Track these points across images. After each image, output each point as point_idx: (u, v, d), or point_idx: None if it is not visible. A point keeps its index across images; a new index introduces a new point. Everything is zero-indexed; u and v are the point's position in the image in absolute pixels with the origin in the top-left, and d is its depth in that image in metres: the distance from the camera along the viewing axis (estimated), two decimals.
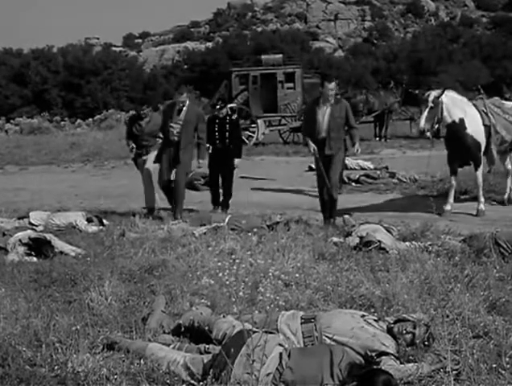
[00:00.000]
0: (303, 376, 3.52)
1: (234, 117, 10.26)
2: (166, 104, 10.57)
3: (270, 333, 3.76)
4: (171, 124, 8.73)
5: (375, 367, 3.69)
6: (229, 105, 19.96)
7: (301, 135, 13.63)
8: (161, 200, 9.31)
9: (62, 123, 33.75)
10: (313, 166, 8.68)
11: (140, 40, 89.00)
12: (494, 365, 3.71)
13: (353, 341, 3.88)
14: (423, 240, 6.80)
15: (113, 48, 61.98)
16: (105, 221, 8.23)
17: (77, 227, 7.85)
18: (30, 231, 7.22)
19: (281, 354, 3.61)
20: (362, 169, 13.16)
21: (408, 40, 60.46)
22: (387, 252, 6.32)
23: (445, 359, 3.71)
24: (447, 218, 8.69)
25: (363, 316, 4.14)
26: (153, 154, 9.08)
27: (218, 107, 9.60)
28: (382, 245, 6.45)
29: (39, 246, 6.67)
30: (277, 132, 21.88)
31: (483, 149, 9.13)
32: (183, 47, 68.86)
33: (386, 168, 13.06)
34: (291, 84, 21.55)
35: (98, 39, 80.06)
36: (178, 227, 7.60)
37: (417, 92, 21.15)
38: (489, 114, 9.20)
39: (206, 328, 4.11)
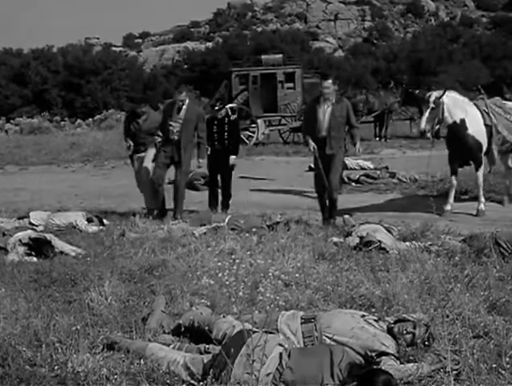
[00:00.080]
0: (303, 376, 3.52)
1: (233, 117, 10.24)
2: (166, 103, 10.56)
3: (270, 333, 3.76)
4: (171, 122, 8.72)
5: (375, 367, 3.69)
6: (229, 105, 20.08)
7: (301, 135, 13.64)
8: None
9: (62, 123, 33.74)
10: (313, 165, 8.67)
11: (140, 40, 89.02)
12: (494, 365, 3.71)
13: (353, 341, 3.88)
14: (423, 240, 6.80)
15: (113, 48, 61.97)
16: (105, 221, 8.22)
17: (77, 227, 7.85)
18: (30, 231, 7.22)
19: (281, 354, 3.61)
20: (362, 169, 13.16)
21: (408, 40, 60.46)
22: (387, 252, 6.32)
23: (445, 359, 3.71)
24: (447, 218, 8.69)
25: (363, 316, 4.14)
26: (151, 153, 9.05)
27: (217, 108, 9.59)
28: (382, 245, 6.45)
29: (39, 246, 6.67)
30: (277, 132, 21.89)
31: (484, 149, 9.13)
32: (183, 47, 68.86)
33: (386, 168, 13.06)
34: (291, 84, 21.56)
35: (98, 38, 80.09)
36: (178, 227, 7.60)
37: (417, 92, 21.23)
38: (491, 114, 9.20)
39: (206, 328, 4.11)
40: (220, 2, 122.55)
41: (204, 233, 7.22)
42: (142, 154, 9.14)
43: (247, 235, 6.82)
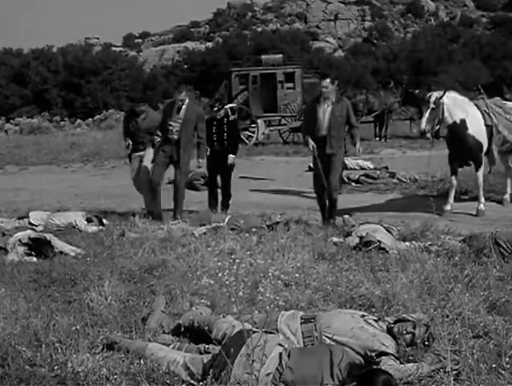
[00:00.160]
0: (303, 376, 3.52)
1: (232, 117, 10.24)
2: (165, 102, 10.56)
3: (270, 333, 3.76)
4: (171, 122, 8.72)
5: (375, 367, 3.69)
6: (229, 105, 20.12)
7: (301, 135, 13.63)
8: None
9: (62, 123, 33.75)
10: (312, 165, 8.66)
11: (140, 40, 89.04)
12: (494, 365, 3.71)
13: (353, 341, 3.88)
14: (423, 240, 6.80)
15: (113, 48, 62.00)
16: (104, 221, 8.22)
17: (77, 227, 7.85)
18: (30, 231, 7.22)
19: (281, 354, 3.61)
20: (362, 169, 13.16)
21: (408, 40, 60.47)
22: (387, 252, 6.32)
23: (445, 359, 3.71)
24: (447, 218, 8.69)
25: (363, 316, 4.14)
26: (150, 152, 9.04)
27: (216, 108, 9.58)
28: (382, 245, 6.45)
29: (38, 246, 6.67)
30: (277, 132, 21.90)
31: (485, 149, 9.13)
32: (183, 47, 68.87)
33: (386, 168, 13.06)
34: (290, 84, 21.57)
35: (98, 38, 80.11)
36: (178, 227, 7.59)
37: (417, 92, 21.23)
38: (491, 114, 9.20)
39: (206, 328, 4.11)
40: (220, 2, 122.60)
41: (204, 233, 7.22)
42: (141, 153, 9.13)
43: (247, 235, 6.82)
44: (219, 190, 9.65)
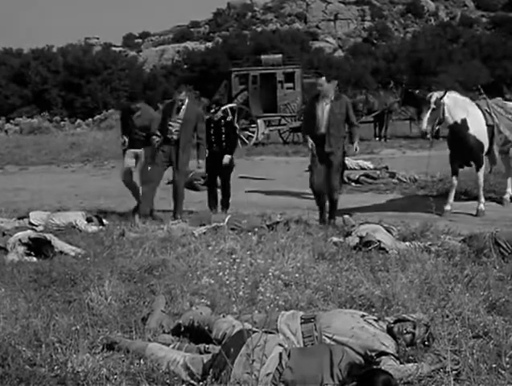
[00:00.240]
0: (303, 376, 3.52)
1: (229, 118, 10.23)
2: (165, 103, 10.56)
3: (270, 333, 3.76)
4: (170, 122, 8.72)
5: (375, 367, 3.69)
6: (229, 105, 20.13)
7: (301, 135, 13.63)
8: (161, 199, 9.31)
9: (62, 123, 33.75)
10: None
11: (140, 40, 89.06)
12: (494, 365, 3.71)
13: (353, 341, 3.88)
14: (423, 240, 6.80)
15: (113, 48, 62.00)
16: (104, 221, 8.22)
17: (77, 227, 7.85)
18: (30, 231, 7.22)
19: (281, 354, 3.61)
20: (362, 169, 13.16)
21: (408, 40, 60.48)
22: (387, 252, 6.32)
23: (445, 359, 3.71)
24: (447, 218, 8.69)
25: (363, 316, 4.14)
26: (147, 151, 9.08)
27: (213, 110, 9.55)
28: (382, 245, 6.45)
29: (38, 246, 6.67)
30: (277, 132, 21.90)
31: (486, 149, 9.13)
32: (183, 47, 68.88)
33: (386, 168, 13.06)
34: (290, 84, 21.57)
35: (98, 38, 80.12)
36: (178, 227, 7.59)
37: (417, 92, 21.22)
38: (493, 114, 9.20)
39: (206, 328, 4.11)
40: (220, 2, 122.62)
41: (204, 233, 7.22)
42: (136, 150, 9.14)
43: (247, 234, 6.82)
44: (219, 190, 9.65)
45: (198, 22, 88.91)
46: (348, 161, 12.98)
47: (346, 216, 8.01)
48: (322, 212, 8.27)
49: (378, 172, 12.65)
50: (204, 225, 7.61)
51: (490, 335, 4.15)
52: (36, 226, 7.82)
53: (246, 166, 14.88)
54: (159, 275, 5.67)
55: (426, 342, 3.96)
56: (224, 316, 4.40)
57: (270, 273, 5.20)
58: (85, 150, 19.80)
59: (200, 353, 3.94)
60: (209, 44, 62.60)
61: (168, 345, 4.10)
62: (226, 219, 7.67)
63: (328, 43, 71.70)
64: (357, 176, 12.39)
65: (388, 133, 21.76)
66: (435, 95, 8.64)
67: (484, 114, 9.13)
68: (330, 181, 8.13)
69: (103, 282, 5.18)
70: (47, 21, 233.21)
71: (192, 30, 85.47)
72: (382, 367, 3.62)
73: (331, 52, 65.33)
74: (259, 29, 72.46)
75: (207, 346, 4.00)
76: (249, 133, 20.73)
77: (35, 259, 6.53)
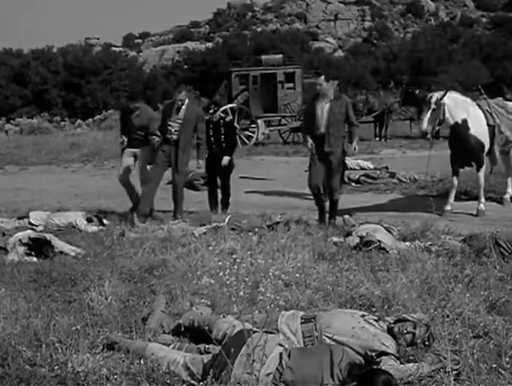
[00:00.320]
0: (303, 376, 3.52)
1: (228, 118, 10.22)
2: (165, 103, 10.56)
3: (270, 333, 3.76)
4: (170, 122, 8.71)
5: (375, 367, 3.69)
6: (229, 105, 20.13)
7: (301, 135, 13.62)
8: (161, 199, 9.31)
9: (62, 123, 33.76)
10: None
11: (140, 40, 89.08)
12: (494, 365, 3.71)
13: (353, 341, 3.88)
14: (423, 240, 6.79)
15: (113, 48, 62.05)
16: (105, 221, 8.22)
17: (77, 227, 7.85)
18: (30, 231, 7.21)
19: (281, 354, 3.61)
20: (362, 169, 13.16)
21: (408, 40, 60.51)
22: (387, 252, 6.32)
23: (445, 359, 3.71)
24: (447, 218, 8.69)
25: (363, 316, 4.14)
26: (145, 151, 9.10)
27: (212, 111, 9.54)
28: (382, 245, 6.45)
29: (39, 246, 6.67)
30: (277, 132, 21.91)
31: (486, 149, 9.12)
32: (183, 47, 68.91)
33: (386, 168, 13.06)
34: (291, 84, 21.58)
35: (98, 39, 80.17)
36: (178, 227, 7.59)
37: (417, 91, 21.22)
38: (494, 114, 9.20)
39: (206, 328, 4.11)
40: (220, 2, 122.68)
41: (204, 233, 7.22)
42: (135, 150, 9.16)
43: (247, 235, 6.82)
44: (219, 190, 9.65)
45: (198, 22, 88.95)
46: (349, 161, 12.97)
47: (346, 216, 8.01)
48: (321, 212, 8.25)
49: (378, 172, 12.65)
50: (204, 225, 7.61)
51: (490, 335, 4.15)
52: (36, 226, 7.82)
53: (246, 166, 14.88)
54: (159, 275, 5.67)
55: (426, 342, 3.96)
56: (224, 316, 4.40)
57: (271, 273, 5.20)
58: (85, 150, 19.80)
59: (201, 353, 3.94)
60: (209, 44, 62.63)
61: (168, 345, 4.10)
62: (226, 220, 7.67)
63: (328, 43, 71.73)
64: (357, 176, 12.39)
65: (388, 133, 21.77)
66: (436, 95, 8.64)
67: (485, 114, 9.13)
68: (330, 181, 8.12)
69: (103, 282, 5.18)
70: (47, 21, 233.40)
71: (192, 30, 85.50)
72: (383, 367, 3.62)
73: (331, 52, 65.38)
74: (259, 29, 72.51)
75: (207, 346, 4.00)
76: (250, 133, 20.73)
77: (35, 259, 6.53)
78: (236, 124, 19.54)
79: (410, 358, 3.87)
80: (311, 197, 8.57)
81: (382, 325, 4.07)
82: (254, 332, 3.64)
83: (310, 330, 4.02)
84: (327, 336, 3.96)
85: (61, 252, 6.54)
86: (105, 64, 46.23)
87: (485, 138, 9.05)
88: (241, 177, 12.58)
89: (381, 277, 5.38)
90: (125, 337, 4.30)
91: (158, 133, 8.84)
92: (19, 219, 8.18)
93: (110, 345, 4.14)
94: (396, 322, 4.08)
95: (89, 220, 8.09)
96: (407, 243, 6.65)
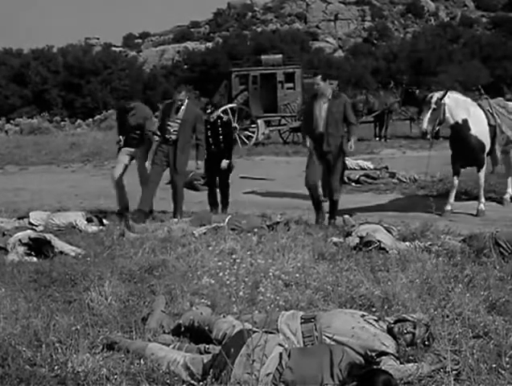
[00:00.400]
0: (303, 376, 3.52)
1: (226, 118, 10.20)
2: (164, 102, 10.57)
3: (270, 333, 3.76)
4: (169, 122, 8.71)
5: (375, 367, 3.69)
6: (229, 105, 20.13)
7: (301, 135, 13.61)
8: (161, 199, 9.31)
9: (62, 123, 33.79)
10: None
11: (140, 40, 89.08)
12: (494, 365, 3.71)
13: (353, 341, 3.88)
14: (423, 240, 6.79)
15: (113, 48, 62.06)
16: (105, 221, 8.22)
17: (77, 227, 7.85)
18: (30, 231, 7.21)
19: (281, 354, 3.61)
20: (362, 169, 13.16)
21: (408, 40, 60.52)
22: (387, 252, 6.32)
23: (445, 359, 3.71)
24: (447, 218, 8.69)
25: (363, 316, 4.14)
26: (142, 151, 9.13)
27: (209, 111, 9.52)
28: (382, 245, 6.45)
29: (39, 246, 6.67)
30: (277, 132, 21.91)
31: (487, 149, 9.12)
32: (183, 47, 68.91)
33: (386, 168, 13.06)
34: (290, 84, 21.58)
35: (98, 39, 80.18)
36: (178, 227, 7.59)
37: (417, 91, 21.21)
38: (495, 114, 9.20)
39: (206, 328, 4.11)
40: (220, 2, 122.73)
41: (204, 233, 7.22)
42: (131, 149, 9.20)
43: (247, 235, 6.82)
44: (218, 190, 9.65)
45: (198, 22, 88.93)
46: (348, 161, 12.97)
47: (346, 216, 8.00)
48: (318, 213, 8.19)
49: (378, 172, 12.65)
50: (204, 225, 7.60)
51: (490, 335, 4.15)
52: (36, 226, 7.82)
53: (246, 166, 14.88)
54: (159, 275, 5.67)
55: (426, 342, 3.96)
56: (224, 316, 4.40)
57: (271, 273, 5.21)
58: (85, 150, 19.80)
59: (201, 353, 3.94)
60: (209, 44, 62.65)
61: (168, 345, 4.10)
62: (226, 220, 7.67)
63: (328, 43, 71.74)
64: (357, 176, 12.39)
65: (388, 133, 21.77)
66: (436, 95, 8.63)
67: (486, 114, 9.13)
68: (330, 181, 8.11)
69: (103, 282, 5.18)
70: (47, 21, 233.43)
71: (192, 30, 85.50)
72: (382, 367, 3.62)
73: (331, 52, 65.40)
74: (259, 29, 72.51)
75: (207, 346, 4.00)
76: (250, 133, 20.73)
77: (35, 259, 6.52)
78: (236, 124, 19.59)
79: (410, 358, 3.87)
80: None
81: (382, 325, 4.07)
82: (254, 332, 3.64)
83: (310, 330, 4.02)
84: (327, 336, 3.96)
85: (61, 252, 6.54)
86: (105, 64, 46.26)
87: (485, 138, 9.04)
88: (241, 177, 12.58)
89: (381, 277, 5.38)
90: (125, 337, 4.29)
91: (158, 133, 8.85)
92: (19, 219, 8.17)
93: (110, 345, 4.14)
94: (396, 322, 4.08)
95: (89, 220, 8.08)
96: (407, 243, 6.65)
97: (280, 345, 3.71)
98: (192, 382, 3.69)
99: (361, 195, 11.30)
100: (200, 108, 9.66)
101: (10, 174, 16.27)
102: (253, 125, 20.77)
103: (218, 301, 4.84)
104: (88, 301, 4.91)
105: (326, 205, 8.47)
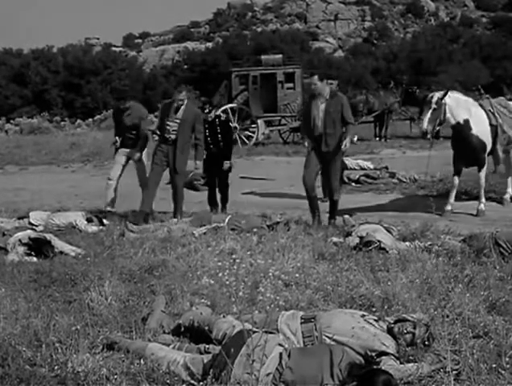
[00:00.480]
0: (303, 376, 3.52)
1: (223, 117, 10.19)
2: (163, 102, 10.57)
3: (270, 333, 3.76)
4: (168, 122, 8.71)
5: (375, 367, 3.69)
6: (229, 105, 20.13)
7: (300, 135, 13.62)
8: (161, 200, 9.31)
9: (62, 123, 33.78)
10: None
11: (140, 40, 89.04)
12: (494, 365, 3.71)
13: (353, 341, 3.88)
14: (423, 240, 6.79)
15: (113, 48, 62.05)
16: (105, 221, 8.22)
17: (77, 227, 7.85)
18: (30, 231, 7.21)
19: (281, 354, 3.61)
20: (362, 169, 13.15)
21: (408, 40, 60.51)
22: (387, 252, 6.32)
23: (445, 359, 3.71)
24: (447, 218, 8.69)
25: (363, 316, 4.14)
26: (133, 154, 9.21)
27: (207, 111, 9.51)
28: (382, 245, 6.45)
29: (39, 246, 6.67)
30: (277, 132, 21.91)
31: (489, 149, 9.12)
32: (183, 47, 68.88)
33: (386, 168, 13.06)
34: (290, 84, 21.58)
35: (98, 39, 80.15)
36: (178, 227, 7.59)
37: (417, 91, 21.20)
38: (496, 114, 9.20)
39: (206, 328, 4.11)
40: (220, 2, 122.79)
41: (204, 233, 7.22)
42: (127, 150, 9.24)
43: (247, 235, 6.82)
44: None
45: (198, 22, 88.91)
46: (348, 161, 13.00)
47: (346, 216, 8.00)
48: (314, 216, 8.15)
49: (378, 172, 12.65)
50: (204, 225, 7.60)
51: (490, 335, 4.16)
52: (36, 226, 7.82)
53: (246, 166, 14.88)
54: (159, 275, 5.67)
55: (426, 342, 3.96)
56: (224, 316, 4.40)
57: (271, 273, 5.21)
58: (85, 150, 19.80)
59: (201, 353, 3.94)
60: (209, 44, 62.62)
61: (168, 345, 4.10)
62: (226, 220, 7.67)
63: (328, 43, 71.71)
64: (357, 176, 12.39)
65: (388, 133, 21.76)
66: (437, 95, 8.63)
67: (487, 114, 9.13)
68: (330, 181, 8.11)
69: (103, 282, 5.18)
70: (47, 21, 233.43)
71: (192, 30, 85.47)
72: (382, 367, 3.63)
73: (331, 52, 65.39)
74: (259, 29, 72.49)
75: (207, 346, 4.00)
76: (250, 133, 20.73)
77: (35, 259, 6.53)
78: (236, 124, 19.59)
79: (410, 358, 3.87)
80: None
81: (382, 325, 4.07)
82: (254, 332, 3.64)
83: (310, 330, 4.02)
84: (327, 336, 3.96)
85: (61, 252, 6.54)
86: (105, 64, 46.25)
87: (487, 138, 9.04)
88: (242, 177, 12.57)
89: (381, 277, 5.38)
90: (125, 337, 4.30)
91: (158, 132, 8.84)
92: (19, 219, 8.17)
93: (110, 345, 4.14)
94: (396, 322, 4.08)
95: (89, 220, 8.08)
96: (407, 243, 6.65)
97: (280, 345, 3.71)
98: (192, 382, 3.69)
99: (361, 195, 11.30)
100: (198, 108, 9.66)
101: (10, 174, 16.27)
102: (253, 125, 20.77)
103: (218, 302, 4.84)
104: (88, 301, 4.91)
105: (326, 205, 8.47)
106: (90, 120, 34.61)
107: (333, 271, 5.65)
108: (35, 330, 4.29)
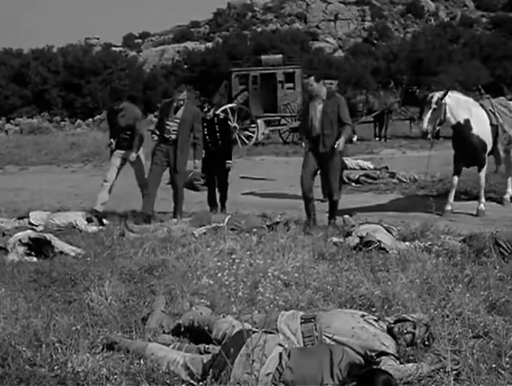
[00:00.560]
0: (303, 376, 3.52)
1: (222, 115, 10.19)
2: (163, 101, 10.56)
3: (270, 333, 3.76)
4: (168, 122, 8.71)
5: (375, 367, 3.69)
6: (229, 105, 20.14)
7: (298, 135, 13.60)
8: (162, 200, 9.31)
9: (62, 123, 33.76)
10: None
11: (140, 40, 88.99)
12: (494, 365, 3.72)
13: (353, 341, 3.88)
14: (423, 240, 6.80)
15: (113, 48, 62.01)
16: (105, 221, 8.22)
17: (77, 227, 7.86)
18: (30, 231, 7.21)
19: (281, 354, 3.61)
20: (362, 169, 13.16)
21: (408, 40, 60.45)
22: (387, 252, 6.32)
23: (445, 359, 3.71)
24: (447, 218, 8.69)
25: (363, 316, 4.14)
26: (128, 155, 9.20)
27: (205, 110, 9.51)
28: (382, 245, 6.45)
29: (39, 246, 6.67)
30: (277, 132, 21.91)
31: (489, 149, 9.12)
32: (183, 47, 68.83)
33: (386, 168, 13.06)
34: (290, 84, 21.60)
35: (98, 39, 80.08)
36: (178, 227, 7.59)
37: (417, 91, 21.19)
38: (497, 114, 9.20)
39: (206, 328, 4.11)
40: (220, 2, 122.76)
41: (204, 233, 7.22)
42: (123, 151, 9.25)
43: (247, 235, 6.82)
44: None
45: (198, 22, 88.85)
46: (348, 161, 13.00)
47: (346, 216, 8.00)
48: (309, 217, 8.08)
49: (378, 172, 12.65)
50: (204, 225, 7.61)
51: (490, 335, 4.16)
52: (36, 226, 7.82)
53: (246, 166, 14.88)
54: (159, 275, 5.67)
55: (426, 342, 3.96)
56: (224, 316, 4.40)
57: (270, 273, 5.20)
58: (85, 150, 19.81)
59: (200, 353, 3.94)
60: (209, 44, 62.56)
61: (168, 345, 4.11)
62: (226, 220, 7.67)
63: (328, 43, 71.66)
64: (357, 176, 12.40)
65: (388, 133, 21.77)
66: (437, 95, 8.63)
67: (488, 114, 9.13)
68: (329, 182, 8.11)
69: (103, 282, 5.18)
70: (47, 21, 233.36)
71: (192, 30, 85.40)
72: (382, 367, 3.63)
73: (331, 52, 65.34)
74: (259, 29, 72.45)
75: (207, 346, 4.00)
76: (250, 133, 20.74)
77: (35, 259, 6.53)
78: (236, 124, 19.60)
79: (410, 358, 3.87)
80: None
81: (382, 325, 4.07)
82: (254, 332, 3.64)
83: (310, 330, 4.02)
84: (327, 336, 3.96)
85: (61, 252, 6.55)
86: (105, 64, 46.21)
87: (487, 138, 9.04)
88: (242, 177, 12.58)
89: (381, 277, 5.39)
90: (125, 337, 4.30)
91: (157, 132, 8.84)
92: (19, 219, 8.18)
93: (110, 345, 4.14)
94: (396, 322, 4.08)
95: (89, 220, 8.09)
96: (407, 243, 6.65)
97: (280, 345, 3.71)
98: (192, 382, 3.69)
99: (361, 195, 11.30)
100: (196, 106, 9.66)
101: (10, 174, 16.27)
102: (253, 125, 20.78)
103: (218, 302, 4.85)
104: (88, 301, 4.91)
105: (326, 205, 8.47)
106: (90, 120, 34.60)
107: (333, 271, 5.65)
108: (35, 330, 4.29)
